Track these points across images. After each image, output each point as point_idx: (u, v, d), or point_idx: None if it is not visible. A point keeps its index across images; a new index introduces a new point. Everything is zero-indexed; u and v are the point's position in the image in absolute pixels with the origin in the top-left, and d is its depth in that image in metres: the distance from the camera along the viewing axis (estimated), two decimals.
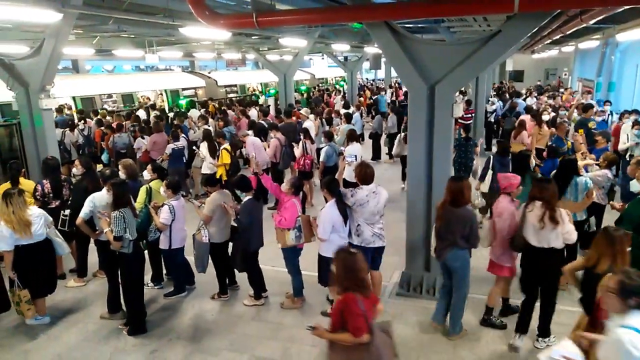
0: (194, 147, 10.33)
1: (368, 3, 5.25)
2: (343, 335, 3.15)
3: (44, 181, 6.43)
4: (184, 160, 9.98)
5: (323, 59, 34.20)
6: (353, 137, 8.41)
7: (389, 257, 6.01)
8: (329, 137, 8.92)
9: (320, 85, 28.71)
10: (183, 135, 10.14)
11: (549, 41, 15.64)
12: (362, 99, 22.83)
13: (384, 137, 13.35)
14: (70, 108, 13.43)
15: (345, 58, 25.56)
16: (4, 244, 4.84)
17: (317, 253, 5.23)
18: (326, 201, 5.28)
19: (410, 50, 5.30)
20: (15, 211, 4.84)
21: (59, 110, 12.14)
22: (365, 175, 5.10)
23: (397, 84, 26.33)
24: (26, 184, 6.30)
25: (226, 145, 8.89)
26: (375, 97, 20.96)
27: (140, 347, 4.95)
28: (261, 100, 20.06)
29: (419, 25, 13.55)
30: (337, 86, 29.89)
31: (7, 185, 5.98)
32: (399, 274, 6.13)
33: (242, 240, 5.46)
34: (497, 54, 5.15)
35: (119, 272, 5.12)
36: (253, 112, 14.23)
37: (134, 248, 4.95)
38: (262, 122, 11.48)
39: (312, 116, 12.14)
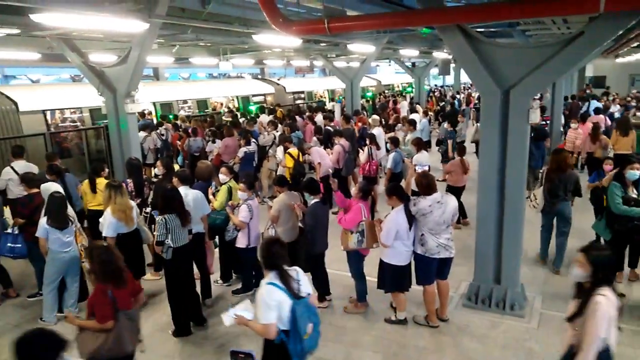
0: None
1: (440, 6, 5.17)
2: (89, 322, 3.53)
3: (128, 180, 6.91)
4: (254, 164, 10.31)
5: (390, 65, 33.99)
6: (420, 145, 8.29)
7: (457, 267, 5.85)
8: (396, 143, 8.85)
9: (386, 91, 28.50)
10: (253, 139, 10.47)
11: (636, 44, 14.52)
12: (429, 105, 22.41)
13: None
14: (150, 113, 14.31)
15: (413, 64, 25.24)
16: (110, 231, 5.34)
17: (379, 259, 5.19)
18: (392, 208, 5.24)
19: (484, 54, 5.15)
20: (120, 201, 5.33)
21: (142, 114, 12.99)
22: (425, 185, 5.00)
23: (467, 90, 25.56)
24: (103, 183, 6.78)
25: (291, 149, 9.09)
26: (442, 103, 20.50)
27: (209, 340, 5.15)
28: (330, 106, 20.25)
29: (491, 30, 13.11)
30: (404, 93, 29.54)
31: (102, 181, 6.48)
32: (466, 284, 5.94)
33: (307, 241, 5.54)
34: (578, 57, 4.87)
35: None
36: (319, 118, 14.42)
37: (173, 255, 5.03)
38: (329, 128, 11.60)
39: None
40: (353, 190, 5.62)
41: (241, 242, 5.76)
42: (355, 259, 5.49)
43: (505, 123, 5.18)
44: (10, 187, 7.27)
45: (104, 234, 5.43)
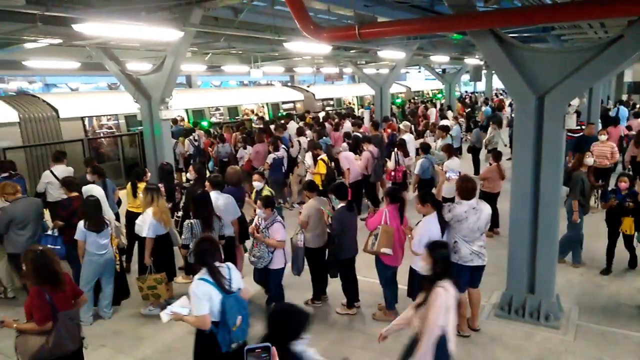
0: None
1: (473, 11, 5.11)
2: (28, 324, 3.58)
3: (160, 184, 7.08)
4: (283, 170, 10.40)
5: (420, 71, 33.75)
6: (451, 151, 8.18)
7: (489, 277, 5.72)
8: (426, 149, 8.76)
9: (415, 98, 28.30)
10: (283, 146, 10.57)
11: None
12: (459, 111, 22.12)
13: (483, 151, 12.78)
14: (182, 119, 14.63)
15: (444, 70, 24.99)
16: (151, 232, 5.52)
17: (409, 266, 5.14)
18: (423, 215, 5.19)
19: (518, 59, 5.06)
20: (161, 204, 5.55)
21: (174, 121, 13.31)
22: (466, 189, 4.92)
23: (499, 96, 25.11)
24: (141, 187, 6.95)
25: (323, 155, 9.13)
26: (469, 109, 20.22)
27: None
28: (359, 112, 20.25)
29: (525, 35, 12.85)
30: (434, 99, 29.28)
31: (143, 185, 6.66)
32: (498, 294, 5.81)
33: (335, 247, 5.54)
34: (616, 61, 4.72)
35: None
36: (347, 124, 14.43)
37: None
38: (357, 134, 11.59)
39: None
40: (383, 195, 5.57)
41: (279, 262, 5.41)
42: (381, 266, 5.45)
43: (540, 129, 5.06)
44: (50, 190, 7.55)
45: (143, 235, 5.58)
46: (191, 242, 5.13)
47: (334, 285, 5.98)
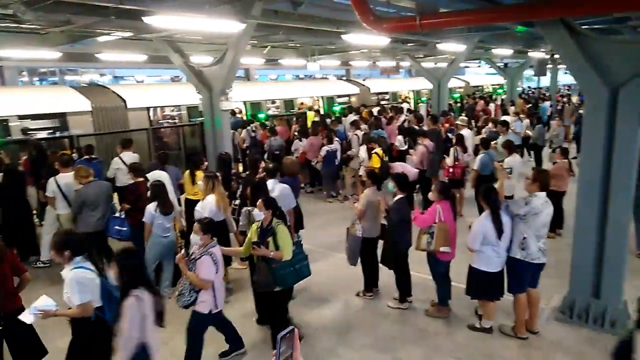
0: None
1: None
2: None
3: (217, 173, 7.31)
4: (336, 163, 10.44)
5: (479, 66, 32.62)
6: (512, 147, 7.87)
7: (550, 279, 5.52)
8: (486, 145, 8.48)
9: (475, 93, 27.41)
10: (337, 139, 10.60)
11: None
12: (521, 107, 21.18)
13: (546, 149, 12.22)
14: (240, 111, 15.02)
15: (505, 64, 24.00)
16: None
17: (468, 264, 5.02)
18: (481, 211, 5.04)
19: (590, 50, 4.78)
20: (221, 191, 5.77)
21: (233, 113, 13.67)
22: (545, 181, 4.81)
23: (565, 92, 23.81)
24: (199, 175, 7.20)
25: (378, 149, 9.06)
26: (529, 105, 19.28)
27: None
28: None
29: (595, 27, 12.08)
30: (495, 94, 28.22)
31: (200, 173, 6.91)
32: (559, 297, 5.55)
33: (391, 238, 5.50)
34: None
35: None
36: (401, 118, 14.24)
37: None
38: (414, 126, 11.42)
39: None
40: (430, 194, 5.44)
41: (204, 306, 4.34)
42: (434, 262, 5.36)
43: (612, 123, 4.77)
44: (119, 175, 8.00)
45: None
46: (247, 229, 5.28)
47: (386, 278, 5.95)
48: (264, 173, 6.07)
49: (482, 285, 4.91)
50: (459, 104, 20.97)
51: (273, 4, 8.10)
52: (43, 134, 10.37)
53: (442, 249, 5.09)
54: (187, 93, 11.86)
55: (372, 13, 5.53)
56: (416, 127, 11.14)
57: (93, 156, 8.10)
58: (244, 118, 14.55)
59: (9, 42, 10.05)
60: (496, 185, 5.54)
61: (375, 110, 15.80)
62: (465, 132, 10.10)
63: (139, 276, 3.38)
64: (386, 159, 9.04)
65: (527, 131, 12.55)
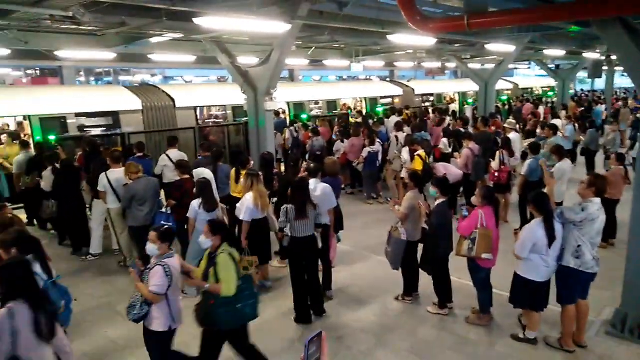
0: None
1: None
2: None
3: (259, 172, 7.42)
4: (378, 164, 10.37)
5: (529, 67, 31.55)
6: (560, 153, 7.55)
7: (600, 291, 5.28)
8: (535, 149, 8.18)
9: (523, 95, 26.51)
10: (379, 140, 10.53)
11: None
12: (573, 110, 20.30)
13: (600, 155, 11.64)
14: (284, 112, 15.20)
15: (557, 66, 23.08)
16: (247, 216, 5.82)
17: (513, 271, 4.86)
18: (530, 218, 4.87)
19: None
20: (260, 189, 5.84)
21: (276, 113, 13.85)
22: (602, 186, 4.63)
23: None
24: (244, 174, 7.33)
25: (421, 151, 8.93)
26: (583, 109, 18.45)
27: (327, 331, 5.29)
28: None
29: None
30: (545, 97, 27.19)
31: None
32: (610, 310, 5.29)
33: (432, 243, 5.41)
34: None
35: None
36: (447, 120, 13.97)
37: (294, 244, 5.31)
38: (459, 129, 11.17)
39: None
40: (473, 198, 5.29)
41: (158, 324, 3.94)
42: (475, 268, 5.21)
43: None
44: (165, 172, 8.27)
45: (241, 217, 5.90)
46: (286, 226, 5.34)
47: (427, 283, 5.86)
48: (306, 173, 6.11)
49: (528, 295, 4.74)
50: (506, 107, 20.35)
51: (319, 5, 8.16)
52: (97, 131, 10.88)
53: (483, 255, 4.95)
54: (232, 93, 12.11)
55: (419, 13, 5.47)
56: (462, 130, 10.89)
57: (144, 153, 8.41)
58: (288, 118, 14.71)
59: (68, 43, 10.63)
60: (545, 191, 5.34)
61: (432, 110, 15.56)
62: (513, 135, 9.79)
63: (19, 289, 3.12)
64: (429, 161, 8.90)
65: (579, 137, 12.02)
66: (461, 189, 9.35)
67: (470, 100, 22.61)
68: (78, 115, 10.69)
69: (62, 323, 3.66)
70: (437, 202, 5.40)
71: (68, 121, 10.50)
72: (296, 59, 16.54)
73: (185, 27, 8.42)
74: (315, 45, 14.06)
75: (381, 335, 5.19)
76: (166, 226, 4.20)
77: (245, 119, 11.16)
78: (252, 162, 7.54)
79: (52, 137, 9.80)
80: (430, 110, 17.67)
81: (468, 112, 16.98)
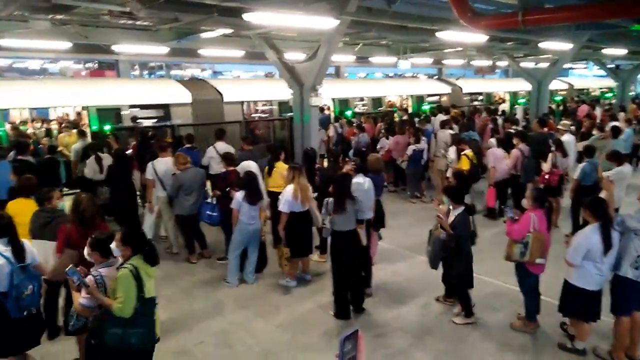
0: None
1: None
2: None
3: (301, 166, 7.46)
4: (422, 163, 10.21)
5: (586, 67, 30.08)
6: (616, 157, 7.15)
7: None
8: (589, 152, 7.80)
9: (579, 96, 25.31)
10: (424, 138, 10.36)
11: None
12: (633, 113, 19.18)
13: None
14: (328, 108, 15.24)
15: (617, 66, 21.88)
16: (285, 207, 5.88)
17: (563, 278, 4.67)
18: (582, 224, 4.65)
19: None
20: (300, 182, 5.89)
21: (321, 109, 13.89)
22: None
23: None
24: (281, 167, 7.36)
25: (468, 151, 8.72)
26: None
27: (366, 328, 5.27)
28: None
29: None
30: (602, 99, 25.86)
31: (281, 166, 7.10)
32: None
33: (457, 256, 5.20)
34: None
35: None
36: (498, 121, 13.53)
37: (335, 239, 5.31)
38: (510, 130, 10.82)
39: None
40: (523, 200, 5.09)
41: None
42: (523, 273, 5.03)
43: None
44: (212, 164, 8.48)
45: (279, 209, 5.97)
46: (326, 218, 5.39)
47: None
48: (350, 169, 6.08)
49: (579, 304, 4.53)
50: (560, 108, 19.51)
51: (367, 1, 8.11)
52: (149, 123, 11.30)
53: (537, 260, 4.77)
54: (278, 89, 12.26)
55: (470, 9, 5.34)
56: (511, 131, 10.53)
57: (193, 145, 8.66)
58: (332, 115, 14.74)
59: (124, 38, 11.08)
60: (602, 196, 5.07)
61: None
62: (567, 137, 9.37)
63: None
64: (476, 161, 8.67)
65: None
66: (509, 192, 9.09)
67: (521, 100, 21.86)
68: (132, 106, 11.15)
69: (28, 305, 3.86)
70: (455, 211, 5.16)
71: (122, 112, 10.98)
72: (342, 56, 16.52)
73: (235, 23, 8.59)
74: (362, 42, 13.99)
75: (420, 336, 5.12)
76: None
77: (290, 114, 11.27)
78: (283, 155, 7.53)
79: (107, 127, 10.27)
80: (478, 109, 17.21)
81: (519, 112, 16.41)
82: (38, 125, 12.58)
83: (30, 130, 11.99)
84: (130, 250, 3.59)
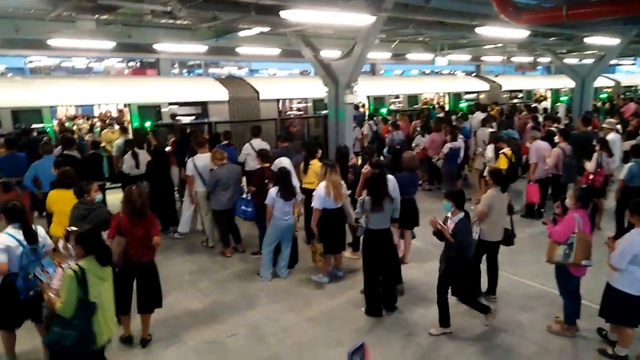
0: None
1: None
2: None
3: (335, 163, 7.47)
4: (459, 161, 10.03)
5: (634, 63, 28.73)
6: None
7: None
8: (636, 152, 7.46)
9: (626, 94, 24.19)
10: (461, 136, 10.18)
11: None
12: None
13: None
14: (363, 105, 15.18)
15: None
16: (317, 203, 5.93)
17: (606, 282, 4.50)
18: (628, 226, 4.46)
19: None
20: (333, 178, 5.91)
21: (356, 107, 13.86)
22: None
23: None
24: (316, 164, 7.38)
25: (506, 149, 8.51)
26: None
27: (398, 325, 5.26)
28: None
29: None
30: None
31: (317, 163, 7.13)
32: None
33: (461, 266, 4.92)
34: None
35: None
36: (539, 119, 13.13)
37: (368, 236, 5.30)
38: (551, 128, 10.47)
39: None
40: (567, 200, 4.92)
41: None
42: (564, 276, 4.87)
43: None
44: (248, 160, 8.61)
45: (312, 205, 6.02)
46: (361, 216, 5.39)
47: (506, 286, 5.60)
48: (368, 170, 6.02)
49: (622, 309, 4.36)
50: (606, 105, 18.73)
51: None
52: (187, 120, 11.58)
53: (583, 262, 4.62)
54: (313, 86, 12.32)
55: (511, 4, 5.21)
56: (553, 129, 10.19)
57: (230, 142, 8.83)
58: (367, 112, 14.67)
59: (165, 36, 11.40)
60: None
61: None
62: (613, 136, 8.99)
63: None
64: (515, 160, 8.46)
65: None
66: (549, 192, 8.82)
67: (563, 98, 21.12)
68: (171, 104, 11.46)
69: (33, 287, 4.06)
70: (454, 218, 4.90)
71: (162, 109, 11.30)
72: (378, 53, 16.42)
73: (272, 21, 8.68)
74: (399, 39, 13.85)
75: (452, 336, 5.04)
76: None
77: (325, 111, 11.30)
78: (319, 152, 7.53)
79: (147, 124, 10.61)
80: (517, 107, 16.75)
81: (561, 110, 15.86)
82: (81, 122, 13.13)
83: (74, 127, 12.53)
84: (82, 250, 3.56)
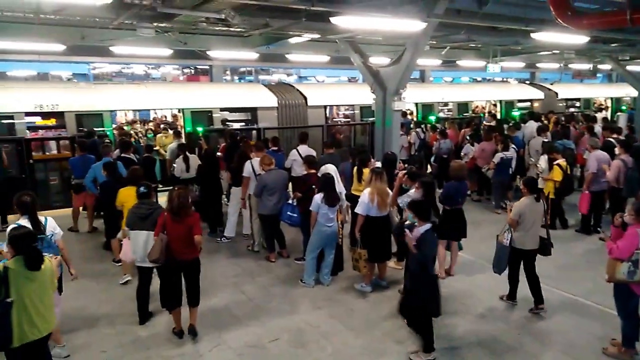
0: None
1: None
2: None
3: (383, 170, 7.41)
4: (510, 172, 9.69)
5: None
6: None
7: None
8: None
9: None
10: (513, 146, 9.84)
11: None
12: None
13: None
14: (411, 113, 14.99)
15: None
16: (360, 209, 5.93)
17: None
18: None
19: None
20: (378, 186, 5.91)
21: (403, 114, 13.71)
22: None
23: None
24: (367, 172, 7.35)
25: (561, 160, 8.14)
26: None
27: (441, 341, 5.06)
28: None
29: None
30: None
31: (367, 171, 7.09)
32: None
33: (422, 281, 4.58)
34: None
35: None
36: (597, 129, 12.48)
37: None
38: (611, 139, 9.92)
39: None
40: (625, 216, 4.63)
41: None
42: (625, 294, 4.58)
43: None
44: (294, 166, 8.71)
45: (355, 210, 6.02)
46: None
47: (548, 294, 5.35)
48: (405, 177, 5.99)
49: None
50: None
51: (456, 3, 7.88)
52: (237, 125, 11.86)
53: None
54: (361, 93, 12.31)
55: (570, 8, 5.00)
56: (611, 140, 9.66)
57: (278, 147, 8.95)
58: (415, 119, 14.48)
59: (218, 44, 11.76)
60: None
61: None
62: None
63: None
64: (570, 172, 8.08)
65: None
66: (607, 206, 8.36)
67: (624, 107, 20.01)
68: (222, 110, 11.79)
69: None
70: (420, 229, 4.61)
71: (214, 115, 11.64)
72: (428, 59, 16.19)
73: (322, 27, 8.76)
74: (450, 45, 13.60)
75: (498, 353, 4.86)
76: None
77: (372, 118, 11.26)
78: (373, 161, 7.53)
79: (199, 129, 10.95)
80: (574, 116, 16.00)
81: (621, 120, 14.99)
82: (138, 126, 13.74)
83: (132, 131, 13.13)
84: (12, 250, 3.66)
